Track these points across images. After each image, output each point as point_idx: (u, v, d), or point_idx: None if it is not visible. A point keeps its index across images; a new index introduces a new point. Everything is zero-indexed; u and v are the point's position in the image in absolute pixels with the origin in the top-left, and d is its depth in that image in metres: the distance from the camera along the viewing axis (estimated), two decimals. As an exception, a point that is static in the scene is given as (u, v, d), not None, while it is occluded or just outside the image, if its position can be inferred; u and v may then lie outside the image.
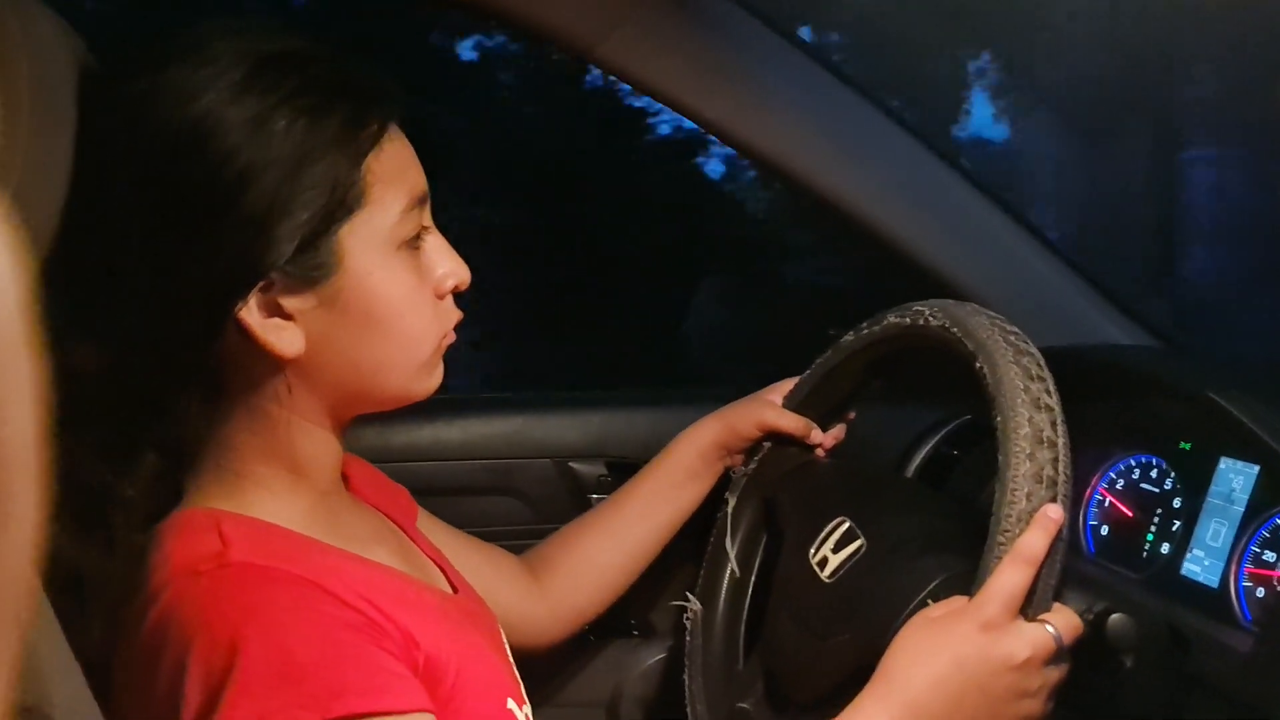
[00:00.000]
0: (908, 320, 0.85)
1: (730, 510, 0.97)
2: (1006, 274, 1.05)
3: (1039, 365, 0.73)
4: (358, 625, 0.62)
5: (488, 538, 1.11)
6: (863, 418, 1.11)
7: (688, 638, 0.95)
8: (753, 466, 0.99)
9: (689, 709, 0.92)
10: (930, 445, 1.17)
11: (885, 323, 0.88)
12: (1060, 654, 0.69)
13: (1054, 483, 0.68)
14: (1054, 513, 0.69)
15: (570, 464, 1.15)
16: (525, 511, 1.14)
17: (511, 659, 0.81)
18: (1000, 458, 0.70)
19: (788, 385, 1.00)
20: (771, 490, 0.96)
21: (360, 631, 0.61)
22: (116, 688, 0.59)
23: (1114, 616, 0.68)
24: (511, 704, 0.71)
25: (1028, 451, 0.68)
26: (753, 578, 0.96)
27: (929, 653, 0.67)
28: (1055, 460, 0.69)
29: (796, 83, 1.00)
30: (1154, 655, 0.72)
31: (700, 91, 0.97)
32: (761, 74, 0.99)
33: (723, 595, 0.95)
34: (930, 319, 0.82)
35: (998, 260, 1.05)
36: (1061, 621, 0.69)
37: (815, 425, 0.97)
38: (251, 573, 0.61)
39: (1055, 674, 0.69)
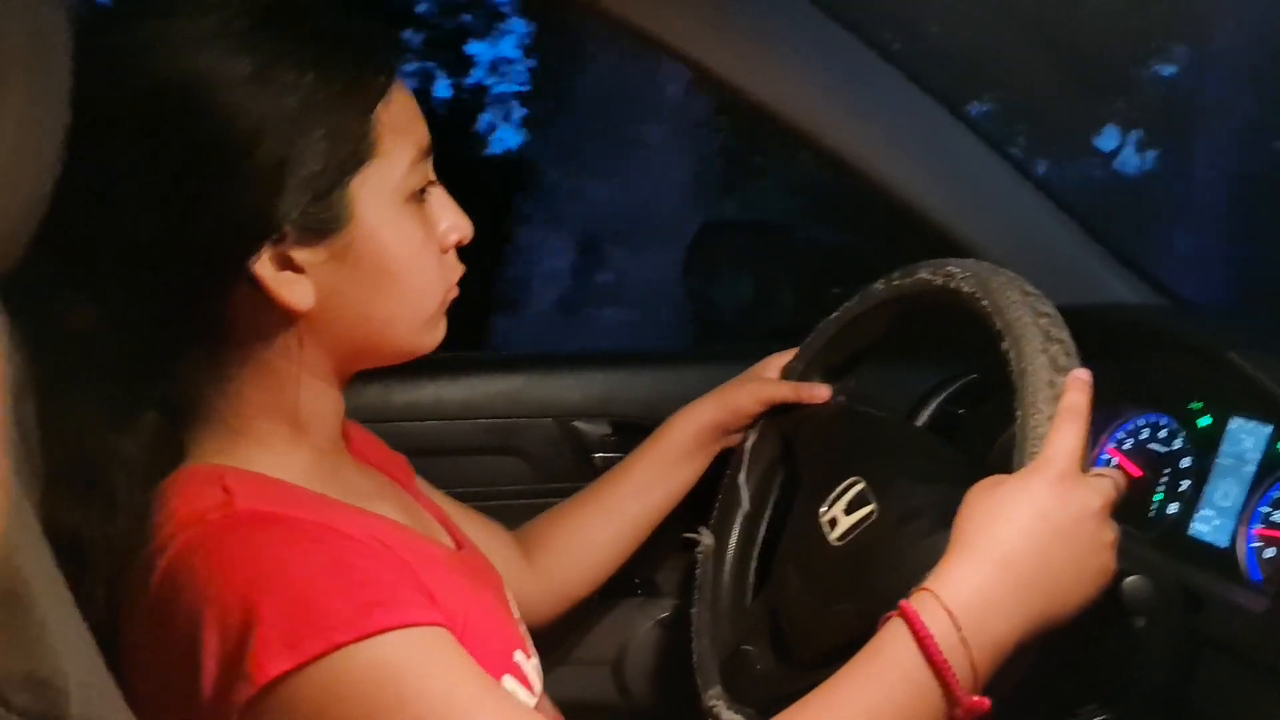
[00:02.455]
0: (939, 280, 0.82)
1: (748, 446, 0.96)
2: (1018, 232, 1.03)
3: (1068, 355, 0.71)
4: (368, 553, 0.62)
5: (490, 497, 1.10)
6: (868, 376, 1.10)
7: (698, 570, 0.94)
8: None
9: (694, 640, 0.92)
10: (936, 404, 1.16)
11: (918, 277, 0.85)
12: (1120, 501, 0.68)
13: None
14: (1083, 374, 0.68)
15: (574, 423, 1.14)
16: (528, 471, 1.13)
17: (518, 614, 0.81)
18: (1015, 455, 0.68)
19: (783, 358, 0.99)
20: (792, 429, 0.94)
21: (372, 557, 0.62)
22: (126, 647, 0.59)
23: (1129, 579, 0.68)
24: (519, 656, 0.72)
25: (1048, 413, 0.67)
26: (766, 514, 0.95)
27: (1010, 508, 0.64)
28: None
29: (805, 36, 0.98)
30: (1167, 617, 0.72)
31: (706, 45, 0.95)
32: (770, 27, 0.96)
33: (735, 530, 0.94)
34: (963, 285, 0.79)
35: (1009, 218, 1.03)
36: (1114, 475, 0.68)
37: (824, 383, 0.96)
38: (258, 518, 0.61)
39: (1117, 531, 0.67)
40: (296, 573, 0.58)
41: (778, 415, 0.96)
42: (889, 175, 0.99)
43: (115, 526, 0.59)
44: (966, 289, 0.78)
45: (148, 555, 0.60)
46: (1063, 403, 0.67)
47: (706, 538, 0.96)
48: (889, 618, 0.63)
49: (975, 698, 0.61)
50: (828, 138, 0.98)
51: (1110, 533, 0.65)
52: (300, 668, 0.55)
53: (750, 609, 0.93)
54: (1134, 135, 3.94)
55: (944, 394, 1.15)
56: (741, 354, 1.05)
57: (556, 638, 1.06)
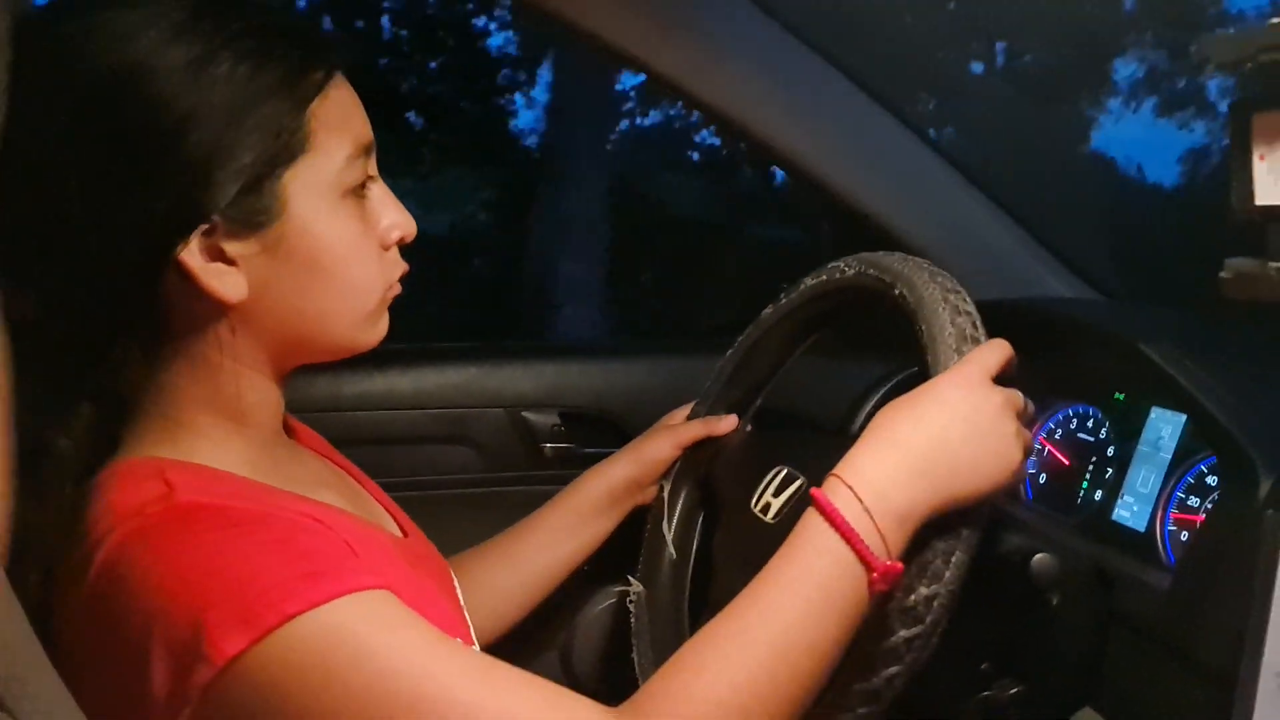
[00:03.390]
0: (824, 277, 0.87)
1: (665, 494, 0.97)
2: (951, 228, 1.07)
3: (953, 282, 0.76)
4: (309, 529, 0.63)
5: (441, 486, 1.12)
6: (810, 374, 1.13)
7: (633, 620, 0.95)
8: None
9: (641, 683, 0.94)
10: (877, 399, 1.19)
11: (802, 287, 0.90)
12: (1026, 418, 0.71)
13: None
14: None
15: (523, 413, 1.16)
16: (478, 460, 1.15)
17: (463, 603, 0.83)
18: (929, 357, 0.72)
19: (684, 410, 1.01)
20: (705, 469, 0.97)
21: (311, 533, 0.63)
22: (63, 641, 0.59)
23: (1038, 556, 0.71)
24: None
25: (954, 348, 0.71)
26: (692, 557, 0.96)
27: (908, 403, 0.69)
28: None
29: (746, 36, 1.00)
30: (1079, 594, 0.75)
31: (651, 44, 0.97)
32: (712, 27, 0.99)
33: (664, 575, 0.96)
34: (845, 269, 0.83)
35: (942, 214, 1.07)
36: (1024, 396, 0.72)
37: (733, 414, 0.98)
38: (199, 508, 0.61)
39: (1026, 434, 0.70)
40: (240, 554, 0.59)
41: (689, 459, 0.98)
42: (825, 171, 1.02)
43: (45, 519, 0.59)
44: (851, 270, 0.82)
45: (85, 549, 0.60)
46: (991, 340, 0.72)
47: (637, 586, 0.96)
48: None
49: (888, 562, 0.64)
50: (766, 134, 1.00)
51: (1011, 423, 0.69)
52: (256, 642, 0.56)
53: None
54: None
55: (882, 390, 1.19)
56: (685, 348, 1.08)
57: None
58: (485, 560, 0.97)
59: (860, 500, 0.65)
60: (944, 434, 0.67)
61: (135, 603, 0.58)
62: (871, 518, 0.65)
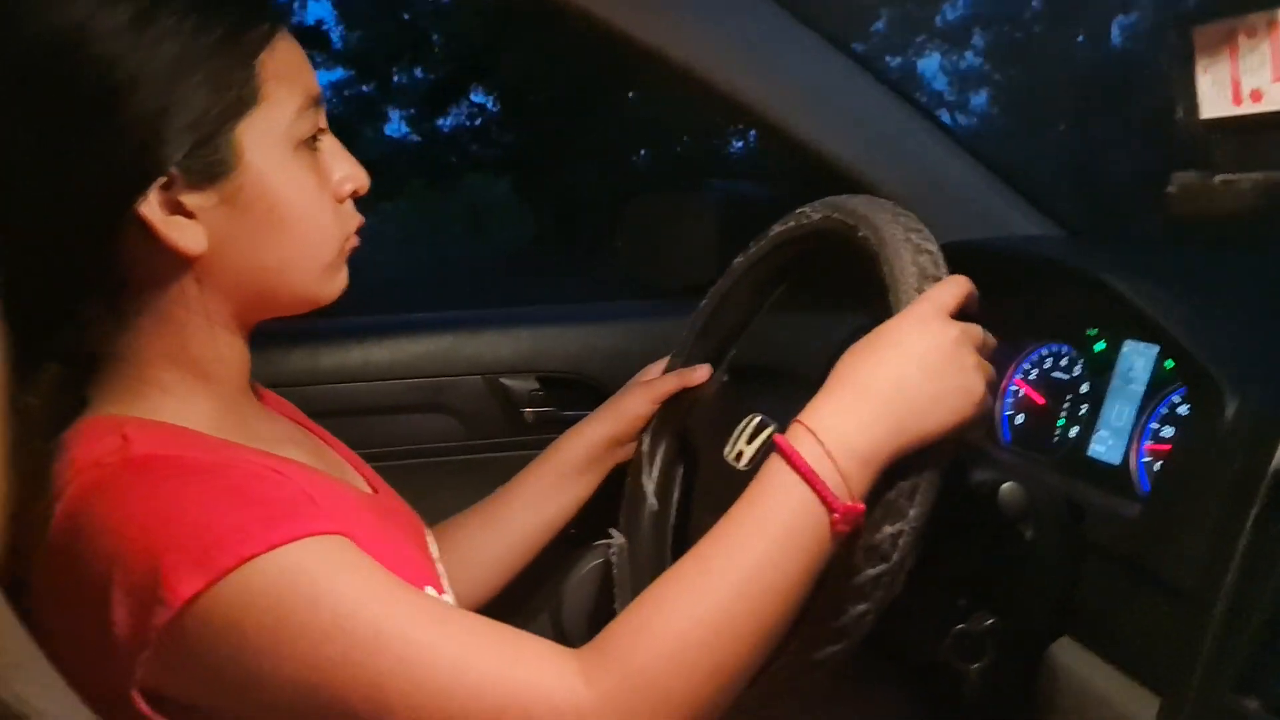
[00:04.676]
0: (791, 224, 0.87)
1: (645, 448, 0.98)
2: (915, 171, 1.07)
3: (916, 221, 0.76)
4: (266, 477, 0.64)
5: (421, 454, 1.13)
6: (786, 326, 1.13)
7: (614, 572, 0.96)
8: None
9: None
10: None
11: (770, 234, 0.90)
12: (986, 350, 0.71)
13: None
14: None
15: (501, 380, 1.16)
16: (457, 428, 1.15)
17: (436, 556, 0.83)
18: (890, 296, 0.72)
19: (660, 365, 1.02)
20: (681, 421, 0.97)
21: (269, 481, 0.64)
22: (32, 596, 0.60)
23: (1005, 485, 0.71)
24: (430, 590, 0.73)
25: (915, 286, 0.71)
26: (673, 508, 0.97)
27: (867, 346, 0.70)
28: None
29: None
30: (1050, 524, 0.76)
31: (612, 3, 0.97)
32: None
33: (644, 528, 0.96)
34: (811, 214, 0.84)
35: (906, 157, 1.07)
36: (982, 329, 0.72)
37: (706, 364, 0.98)
38: (155, 460, 0.63)
39: (986, 364, 0.71)
40: (196, 500, 0.60)
41: (667, 412, 0.98)
42: (787, 119, 1.02)
43: (14, 478, 0.60)
44: (817, 215, 0.83)
45: (44, 505, 0.61)
46: (951, 276, 0.72)
47: (618, 539, 0.97)
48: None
49: (849, 502, 0.65)
50: (725, 84, 1.00)
51: (969, 356, 0.69)
52: (212, 584, 0.57)
53: None
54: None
55: (860, 338, 1.19)
56: (662, 310, 1.08)
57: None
58: (469, 527, 0.98)
59: (821, 444, 0.66)
60: (902, 373, 0.67)
61: (93, 551, 0.59)
62: (833, 460, 0.65)
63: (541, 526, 0.98)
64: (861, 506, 0.65)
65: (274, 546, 0.59)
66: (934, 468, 0.67)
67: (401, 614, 0.60)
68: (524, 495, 0.98)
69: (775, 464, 0.67)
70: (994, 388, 0.71)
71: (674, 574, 0.65)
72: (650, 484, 0.97)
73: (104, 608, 0.58)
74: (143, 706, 0.59)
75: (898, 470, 0.67)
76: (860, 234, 0.77)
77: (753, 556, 0.64)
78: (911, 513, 0.66)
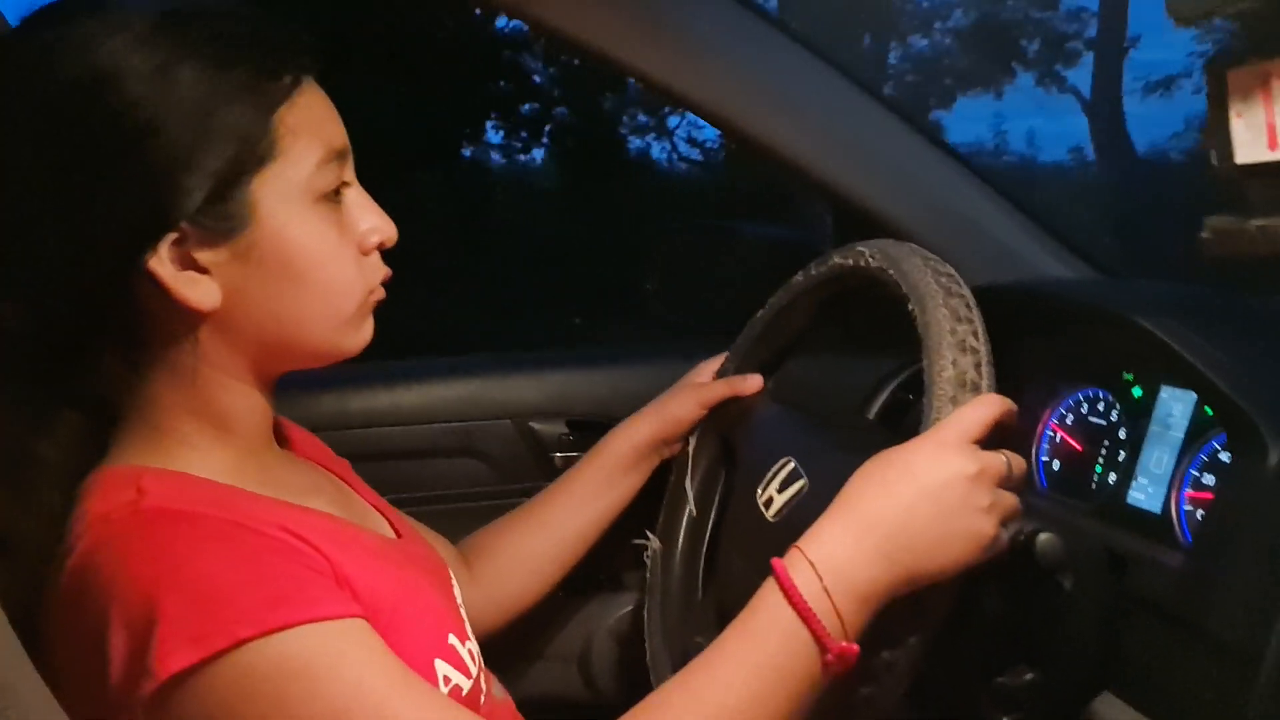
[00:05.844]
0: (850, 261, 0.87)
1: (691, 450, 0.98)
2: (946, 214, 1.06)
3: (968, 306, 0.75)
4: (280, 549, 0.63)
5: (450, 500, 1.12)
6: (826, 365, 1.13)
7: (648, 575, 0.97)
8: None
9: (647, 642, 0.94)
10: (889, 390, 1.18)
11: (831, 263, 0.90)
12: (1011, 482, 0.70)
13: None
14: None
15: (531, 424, 1.16)
16: (487, 473, 1.15)
17: (460, 601, 0.83)
18: (925, 400, 0.71)
19: (714, 363, 1.02)
20: (728, 429, 0.97)
21: (282, 554, 0.63)
22: (45, 644, 0.60)
23: (1042, 536, 0.70)
24: (453, 639, 0.73)
25: (950, 395, 0.70)
26: (711, 516, 0.97)
27: (881, 469, 0.68)
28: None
29: (727, 29, 1.00)
30: (1090, 575, 0.74)
31: (631, 43, 0.97)
32: (691, 22, 0.99)
33: (681, 533, 0.97)
34: (870, 260, 0.84)
35: (936, 200, 1.06)
36: (1012, 456, 0.70)
37: (757, 374, 0.99)
38: (165, 515, 0.62)
39: (1006, 500, 0.69)
40: (201, 568, 0.59)
41: (715, 417, 0.99)
42: (815, 162, 1.02)
43: (30, 526, 0.60)
44: (874, 264, 0.82)
45: (59, 555, 0.61)
46: (983, 395, 0.71)
47: (654, 543, 0.98)
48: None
49: (843, 643, 0.64)
50: (753, 128, 1.00)
51: (984, 497, 0.67)
52: (203, 663, 0.56)
53: (700, 604, 0.95)
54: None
55: (896, 381, 1.18)
56: (691, 350, 1.08)
57: (523, 635, 1.08)
58: (517, 528, 0.98)
59: (820, 579, 0.65)
60: (909, 511, 0.66)
61: (95, 608, 0.58)
62: (830, 597, 0.65)
63: (589, 525, 0.99)
64: (855, 648, 0.65)
65: (276, 630, 0.57)
66: (938, 599, 0.67)
67: (402, 714, 0.59)
68: (572, 495, 0.98)
69: (772, 594, 0.66)
70: (1015, 520, 0.70)
71: (664, 700, 0.65)
72: (691, 488, 0.98)
73: (103, 664, 0.57)
74: None
75: (900, 600, 0.67)
76: (910, 308, 0.76)
77: (742, 691, 0.63)
78: (910, 641, 0.66)
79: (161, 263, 0.62)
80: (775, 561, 0.66)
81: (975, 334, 0.73)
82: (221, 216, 0.63)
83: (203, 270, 0.64)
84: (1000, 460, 0.69)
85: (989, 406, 0.70)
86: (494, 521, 0.99)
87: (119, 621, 0.57)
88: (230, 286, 0.65)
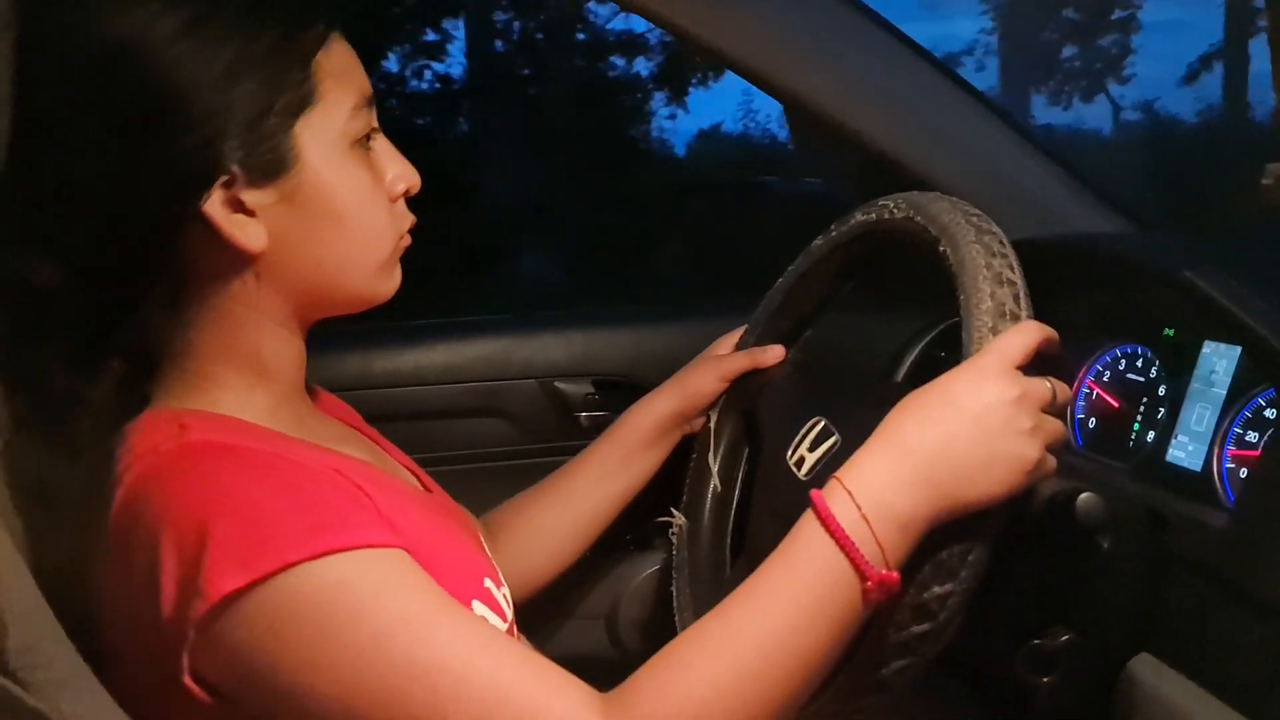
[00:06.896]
0: (874, 216, 0.84)
1: (712, 425, 0.97)
2: (983, 167, 1.03)
3: (1001, 242, 0.72)
4: (323, 481, 0.64)
5: (476, 459, 1.12)
6: (854, 325, 1.11)
7: (674, 551, 0.96)
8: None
9: (677, 618, 0.93)
10: (919, 349, 1.16)
11: (853, 221, 0.88)
12: (1055, 407, 0.68)
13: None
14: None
15: (556, 383, 1.15)
16: (512, 432, 1.15)
17: (489, 553, 0.83)
18: (964, 333, 0.69)
19: (733, 337, 1.00)
20: (751, 402, 0.96)
21: (326, 485, 0.64)
22: (97, 588, 0.61)
23: (1082, 495, 0.68)
24: (489, 583, 0.74)
25: (990, 325, 0.68)
26: (736, 490, 0.96)
27: (920, 399, 0.67)
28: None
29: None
30: (1131, 535, 0.72)
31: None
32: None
33: (707, 509, 0.96)
34: (895, 210, 0.81)
35: (971, 152, 1.03)
36: (1057, 383, 0.68)
37: (779, 345, 0.97)
38: (211, 447, 0.64)
39: (1051, 425, 0.67)
40: (249, 495, 0.60)
41: (737, 391, 0.97)
42: (851, 116, 0.99)
43: (79, 469, 0.61)
44: (900, 214, 0.80)
45: (106, 493, 0.62)
46: (1022, 322, 0.69)
47: (679, 519, 0.97)
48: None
49: (884, 572, 0.63)
50: (786, 81, 0.98)
51: (1026, 420, 0.65)
52: (252, 585, 0.57)
53: (729, 579, 0.94)
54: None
55: (926, 338, 1.16)
56: (716, 311, 1.07)
57: (550, 594, 1.08)
58: (539, 502, 0.98)
59: (859, 506, 0.64)
60: (950, 438, 0.64)
61: (146, 537, 0.59)
62: (869, 525, 0.63)
63: (610, 500, 0.98)
64: (896, 576, 0.64)
65: (321, 554, 0.59)
66: (987, 529, 0.65)
67: (441, 640, 0.60)
68: (593, 469, 0.98)
69: (810, 524, 0.65)
70: (1057, 447, 0.68)
71: (701, 632, 0.64)
72: (715, 463, 0.96)
73: (155, 591, 0.59)
74: (199, 693, 0.60)
75: (951, 529, 0.65)
76: (941, 249, 0.74)
77: (781, 620, 0.62)
78: (963, 574, 0.64)
79: (214, 206, 0.64)
80: (814, 492, 0.65)
81: (1011, 267, 0.71)
82: (268, 159, 0.65)
83: (250, 213, 0.65)
84: (1043, 385, 0.67)
85: (1030, 333, 0.68)
86: (515, 496, 0.98)
87: (170, 548, 0.58)
88: (275, 229, 0.66)
